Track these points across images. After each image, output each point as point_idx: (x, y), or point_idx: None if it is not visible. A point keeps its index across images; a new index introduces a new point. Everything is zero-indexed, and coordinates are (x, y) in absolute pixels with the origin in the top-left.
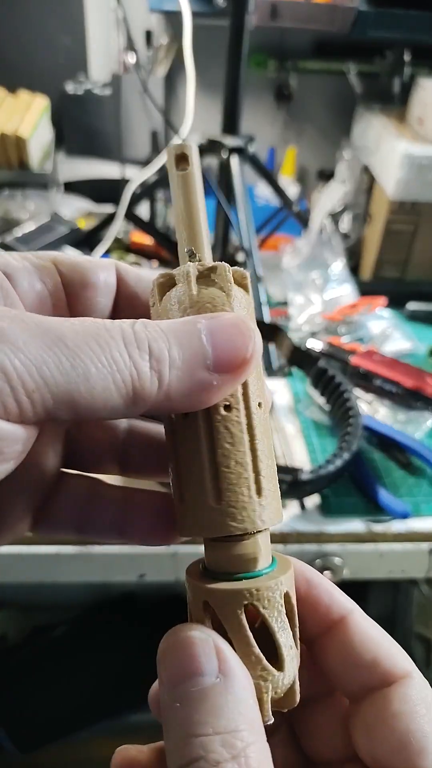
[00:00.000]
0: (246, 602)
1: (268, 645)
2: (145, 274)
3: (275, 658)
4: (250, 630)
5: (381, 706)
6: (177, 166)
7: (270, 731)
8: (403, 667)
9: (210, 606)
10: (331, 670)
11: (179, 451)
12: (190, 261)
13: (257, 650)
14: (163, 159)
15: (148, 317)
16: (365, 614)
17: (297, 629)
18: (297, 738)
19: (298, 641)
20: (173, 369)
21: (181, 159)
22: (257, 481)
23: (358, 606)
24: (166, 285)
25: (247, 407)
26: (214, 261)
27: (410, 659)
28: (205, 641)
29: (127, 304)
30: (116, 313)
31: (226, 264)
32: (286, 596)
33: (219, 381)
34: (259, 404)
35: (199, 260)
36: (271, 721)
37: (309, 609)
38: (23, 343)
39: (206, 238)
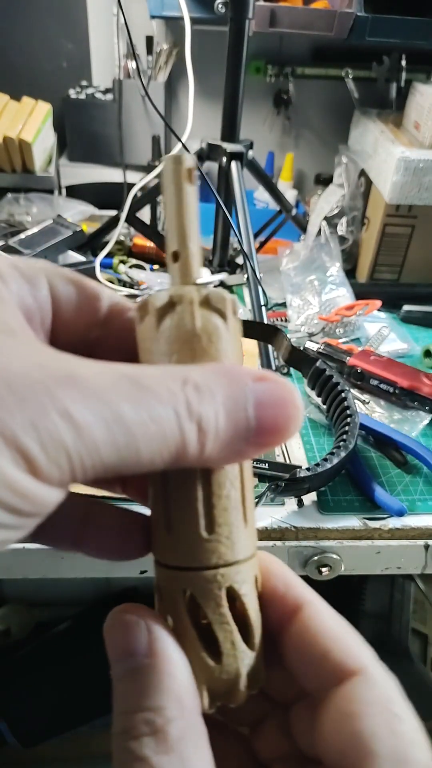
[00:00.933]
0: (184, 589)
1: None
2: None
3: (216, 651)
4: (201, 621)
5: (331, 706)
6: (175, 176)
7: (257, 721)
8: (357, 662)
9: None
10: (291, 666)
11: (171, 484)
12: (174, 263)
13: (193, 637)
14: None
15: (133, 338)
16: (326, 605)
17: (254, 629)
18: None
19: (256, 641)
20: (217, 441)
21: (180, 169)
22: (245, 513)
23: (318, 596)
24: (165, 308)
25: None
26: (212, 264)
27: (368, 652)
28: (135, 624)
29: (114, 331)
30: (101, 336)
31: (213, 291)
32: (232, 592)
33: (254, 450)
34: None
35: (184, 264)
36: (210, 710)
37: (265, 599)
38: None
39: (198, 253)
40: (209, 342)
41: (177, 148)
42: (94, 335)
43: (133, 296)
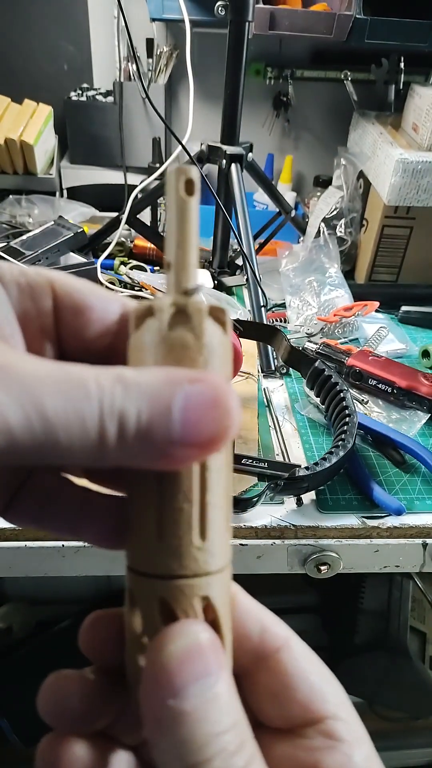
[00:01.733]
0: (160, 597)
1: None
2: None
3: None
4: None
5: (290, 743)
6: (178, 188)
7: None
8: (328, 709)
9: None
10: (253, 701)
11: (134, 490)
12: (169, 271)
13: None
14: (165, 165)
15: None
16: (302, 646)
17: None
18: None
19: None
20: (137, 439)
21: (183, 182)
22: (203, 528)
23: (294, 635)
24: (144, 315)
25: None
26: (215, 267)
27: (342, 697)
28: (213, 645)
29: (125, 334)
30: (114, 346)
31: (203, 303)
32: (206, 602)
33: (185, 453)
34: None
35: (177, 273)
36: None
37: (239, 642)
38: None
39: (194, 262)
40: (182, 352)
41: (177, 150)
42: (106, 342)
43: (135, 297)
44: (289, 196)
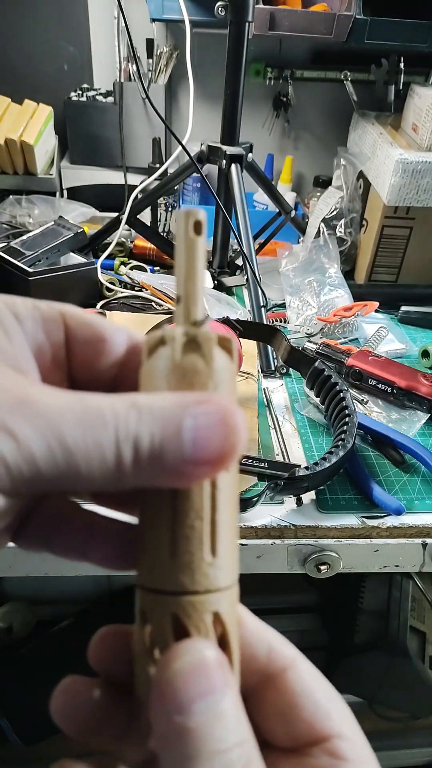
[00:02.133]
0: (172, 613)
1: None
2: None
3: None
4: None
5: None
6: (188, 230)
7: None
8: (334, 728)
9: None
10: (260, 721)
11: (146, 509)
12: (178, 304)
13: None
14: (165, 164)
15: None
16: (308, 666)
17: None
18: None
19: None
20: (152, 461)
21: (192, 223)
22: (214, 544)
23: (301, 656)
24: (157, 344)
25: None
26: (220, 264)
27: (348, 717)
28: (219, 661)
29: (135, 369)
30: (121, 374)
31: (212, 333)
32: (216, 617)
33: (198, 472)
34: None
35: (186, 306)
36: None
37: (246, 664)
38: (20, 431)
39: (201, 295)
40: (193, 377)
41: (177, 150)
42: (114, 372)
43: (135, 297)
44: (289, 197)
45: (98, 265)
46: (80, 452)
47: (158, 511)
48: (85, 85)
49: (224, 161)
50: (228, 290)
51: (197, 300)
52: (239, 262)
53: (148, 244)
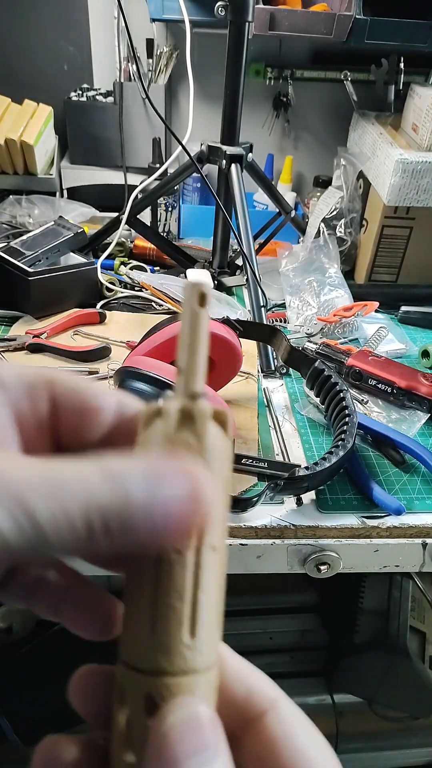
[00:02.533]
0: (146, 692)
1: None
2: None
3: None
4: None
5: None
6: (192, 301)
7: None
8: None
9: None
10: (242, 764)
11: (130, 584)
12: (177, 375)
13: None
14: (165, 164)
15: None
16: (290, 706)
17: None
18: None
19: None
20: (121, 531)
21: (197, 296)
22: (193, 625)
23: (284, 696)
24: (153, 415)
25: (198, 552)
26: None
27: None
28: (212, 721)
29: (124, 433)
30: (110, 437)
31: (207, 408)
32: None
33: (165, 541)
34: (214, 547)
35: (186, 377)
36: None
37: (223, 706)
38: None
39: (202, 368)
40: (185, 452)
41: (177, 150)
42: (101, 436)
43: (135, 296)
44: (289, 197)
45: (98, 265)
46: (49, 524)
47: (140, 586)
48: (85, 85)
49: (224, 161)
50: (228, 290)
51: (197, 373)
52: (239, 262)
53: (148, 244)
